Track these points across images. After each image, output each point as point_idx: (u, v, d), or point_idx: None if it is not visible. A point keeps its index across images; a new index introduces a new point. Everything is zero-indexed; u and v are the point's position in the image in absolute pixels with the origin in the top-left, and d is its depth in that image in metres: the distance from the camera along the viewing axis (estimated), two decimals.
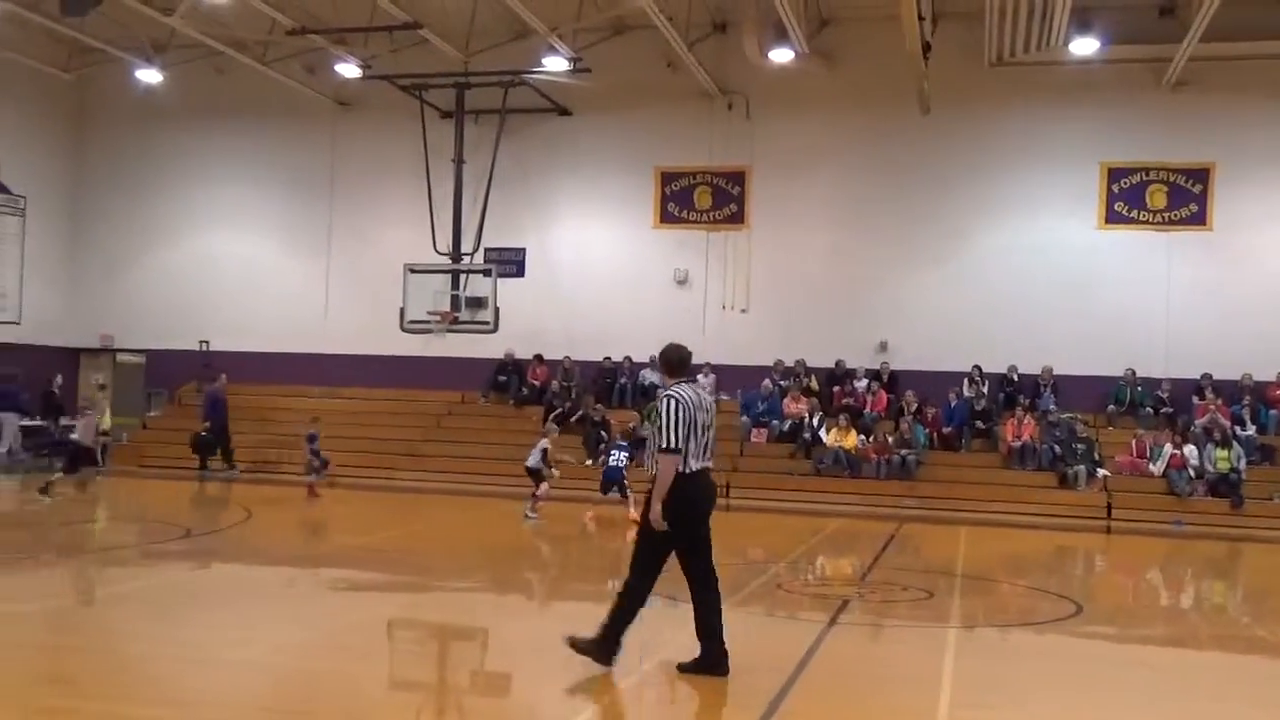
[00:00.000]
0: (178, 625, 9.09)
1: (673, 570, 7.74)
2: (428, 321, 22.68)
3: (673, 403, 7.47)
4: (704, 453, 7.52)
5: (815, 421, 22.27)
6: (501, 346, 24.31)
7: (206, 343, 26.52)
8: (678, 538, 7.48)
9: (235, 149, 26.85)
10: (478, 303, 22.83)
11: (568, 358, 24.21)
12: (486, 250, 24.07)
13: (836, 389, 23.21)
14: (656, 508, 7.34)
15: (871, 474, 21.26)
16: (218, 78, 26.01)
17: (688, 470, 7.40)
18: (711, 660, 7.60)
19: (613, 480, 16.91)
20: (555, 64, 22.39)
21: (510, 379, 24.75)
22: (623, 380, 24.11)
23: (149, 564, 12.71)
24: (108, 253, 27.61)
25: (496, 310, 22.69)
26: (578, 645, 7.60)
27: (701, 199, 24.66)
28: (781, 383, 23.34)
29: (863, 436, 21.80)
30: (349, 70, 23.92)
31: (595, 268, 24.90)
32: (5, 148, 25.92)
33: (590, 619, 7.80)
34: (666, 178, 24.78)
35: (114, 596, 10.59)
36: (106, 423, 22.62)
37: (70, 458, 17.80)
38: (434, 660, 8.89)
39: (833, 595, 11.67)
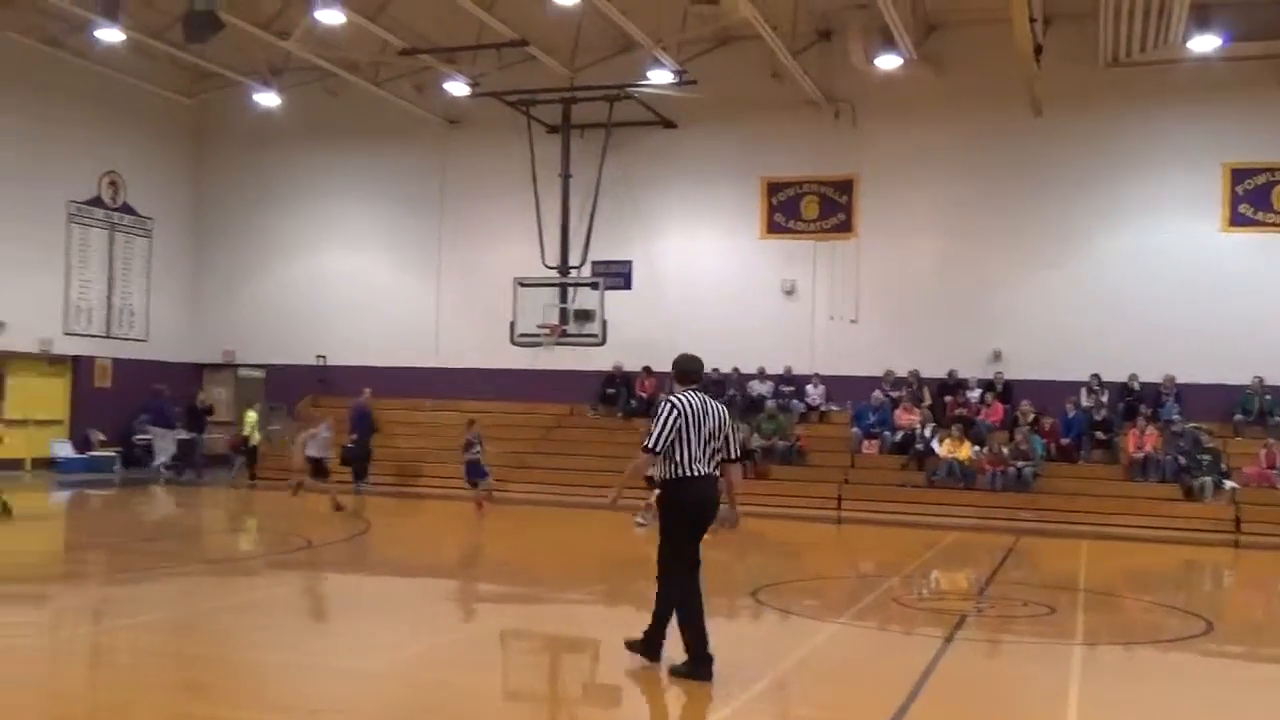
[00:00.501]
0: (301, 634, 9.31)
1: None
2: (537, 335, 22.91)
3: (668, 407, 7.78)
4: (707, 459, 7.80)
5: (927, 432, 21.92)
6: (609, 359, 24.43)
7: (323, 357, 27.18)
8: (676, 536, 7.83)
9: (348, 168, 27.50)
10: (586, 315, 22.99)
11: None
12: (594, 263, 24.25)
13: (949, 399, 22.82)
14: (612, 493, 8.40)
15: (986, 486, 20.83)
16: (331, 99, 26.68)
17: (689, 474, 7.70)
18: (696, 661, 7.74)
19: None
20: (660, 77, 22.47)
21: (618, 391, 24.86)
22: (731, 392, 24.01)
23: (273, 574, 13.05)
24: (228, 271, 28.49)
25: (604, 323, 22.83)
26: (631, 645, 8.04)
27: (808, 208, 24.50)
28: (892, 393, 23.03)
29: (977, 448, 21.39)
30: (457, 88, 24.33)
31: (702, 279, 24.90)
32: (132, 171, 26.97)
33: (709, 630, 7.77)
34: (773, 188, 24.68)
35: (241, 605, 10.88)
36: (257, 437, 23.44)
37: (314, 471, 18.65)
38: (549, 672, 8.94)
39: (949, 610, 11.46)
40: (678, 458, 7.68)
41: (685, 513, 7.78)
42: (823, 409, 23.70)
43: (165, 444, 25.05)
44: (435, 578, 13.14)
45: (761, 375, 24.08)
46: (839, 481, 21.67)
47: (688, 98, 23.36)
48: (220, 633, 9.54)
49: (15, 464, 22.88)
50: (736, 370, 24.16)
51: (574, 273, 23.71)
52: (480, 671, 8.39)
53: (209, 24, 20.28)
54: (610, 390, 24.92)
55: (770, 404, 23.03)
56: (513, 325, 23.00)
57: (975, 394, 22.70)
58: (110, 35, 22.50)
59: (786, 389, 23.86)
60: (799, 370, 24.01)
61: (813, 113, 24.03)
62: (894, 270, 23.80)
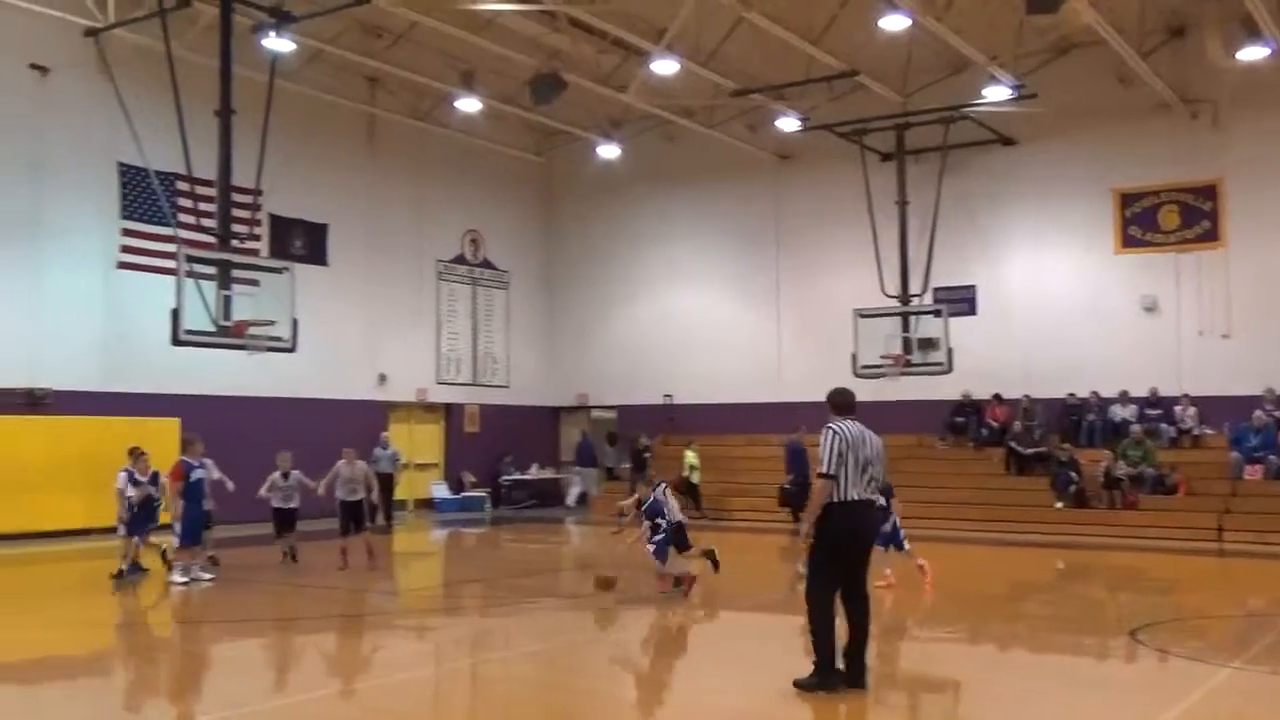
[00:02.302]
0: (657, 670, 9.56)
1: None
2: (880, 365, 22.56)
3: (831, 434, 8.22)
4: (865, 485, 8.21)
5: None
6: (957, 387, 23.71)
7: (670, 396, 27.99)
8: (827, 559, 8.18)
9: (686, 210, 28.30)
10: (929, 344, 22.48)
11: (1027, 396, 23.20)
12: (935, 290, 23.66)
13: None
14: (806, 526, 8.25)
15: None
16: (667, 145, 27.60)
17: (847, 499, 8.10)
18: (852, 676, 8.14)
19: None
20: (997, 93, 21.73)
21: (968, 420, 24.09)
22: (1090, 417, 22.72)
23: (631, 609, 13.46)
24: (578, 316, 29.96)
25: (949, 350, 22.21)
26: (801, 684, 8.10)
27: (1167, 218, 22.89)
28: (1276, 413, 21.01)
29: None
30: (789, 124, 24.55)
31: (1051, 300, 23.75)
32: (490, 229, 29.00)
33: (1072, 671, 7.35)
34: (1126, 199, 23.24)
35: (602, 640, 11.31)
36: (698, 476, 24.52)
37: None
38: (898, 710, 8.71)
39: None
40: (838, 482, 8.10)
41: (839, 537, 8.16)
42: (1195, 432, 21.95)
43: (588, 483, 27.51)
44: (778, 612, 13.13)
45: (1124, 398, 22.64)
46: (1219, 511, 19.97)
47: (1027, 112, 22.45)
48: (589, 666, 9.95)
49: (400, 505, 24.90)
50: (1095, 394, 22.84)
51: (915, 301, 23.24)
52: (826, 708, 8.27)
53: (554, 85, 21.61)
54: (959, 419, 24.19)
55: (1135, 429, 21.57)
56: (854, 357, 22.78)
57: None
58: (468, 105, 24.43)
59: (1153, 412, 22.30)
60: (1165, 391, 22.39)
61: (1166, 116, 22.49)
62: (1272, 279, 21.77)
